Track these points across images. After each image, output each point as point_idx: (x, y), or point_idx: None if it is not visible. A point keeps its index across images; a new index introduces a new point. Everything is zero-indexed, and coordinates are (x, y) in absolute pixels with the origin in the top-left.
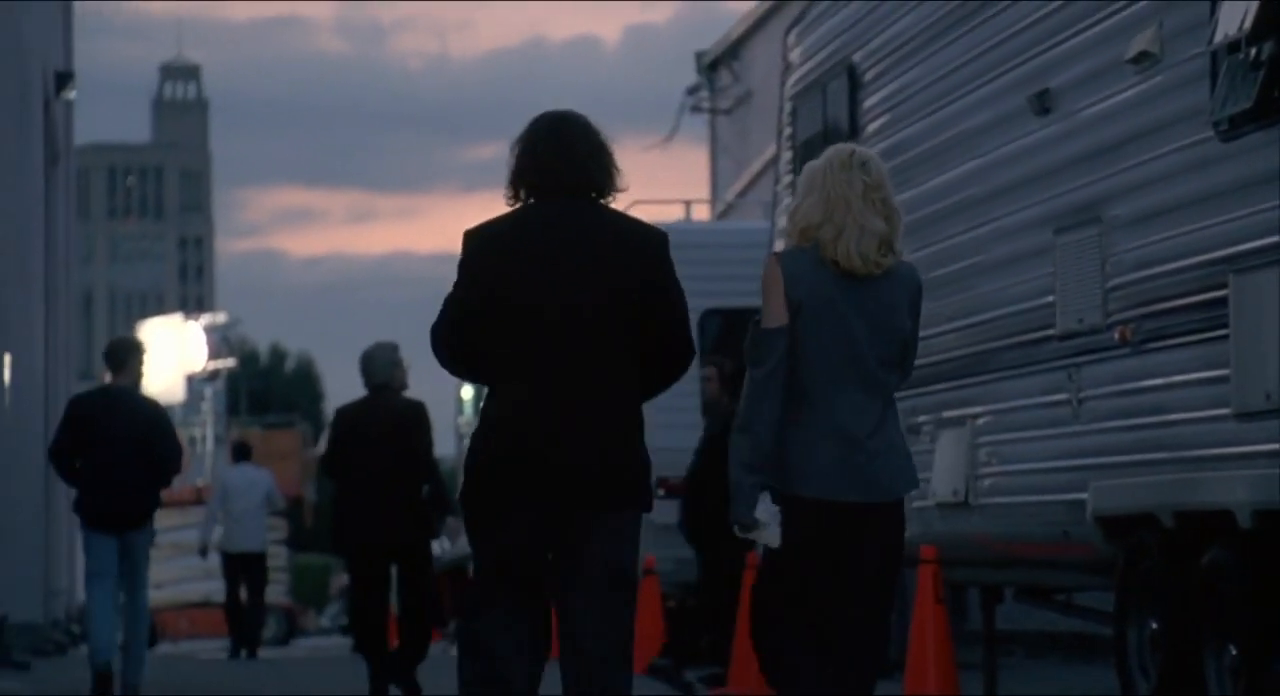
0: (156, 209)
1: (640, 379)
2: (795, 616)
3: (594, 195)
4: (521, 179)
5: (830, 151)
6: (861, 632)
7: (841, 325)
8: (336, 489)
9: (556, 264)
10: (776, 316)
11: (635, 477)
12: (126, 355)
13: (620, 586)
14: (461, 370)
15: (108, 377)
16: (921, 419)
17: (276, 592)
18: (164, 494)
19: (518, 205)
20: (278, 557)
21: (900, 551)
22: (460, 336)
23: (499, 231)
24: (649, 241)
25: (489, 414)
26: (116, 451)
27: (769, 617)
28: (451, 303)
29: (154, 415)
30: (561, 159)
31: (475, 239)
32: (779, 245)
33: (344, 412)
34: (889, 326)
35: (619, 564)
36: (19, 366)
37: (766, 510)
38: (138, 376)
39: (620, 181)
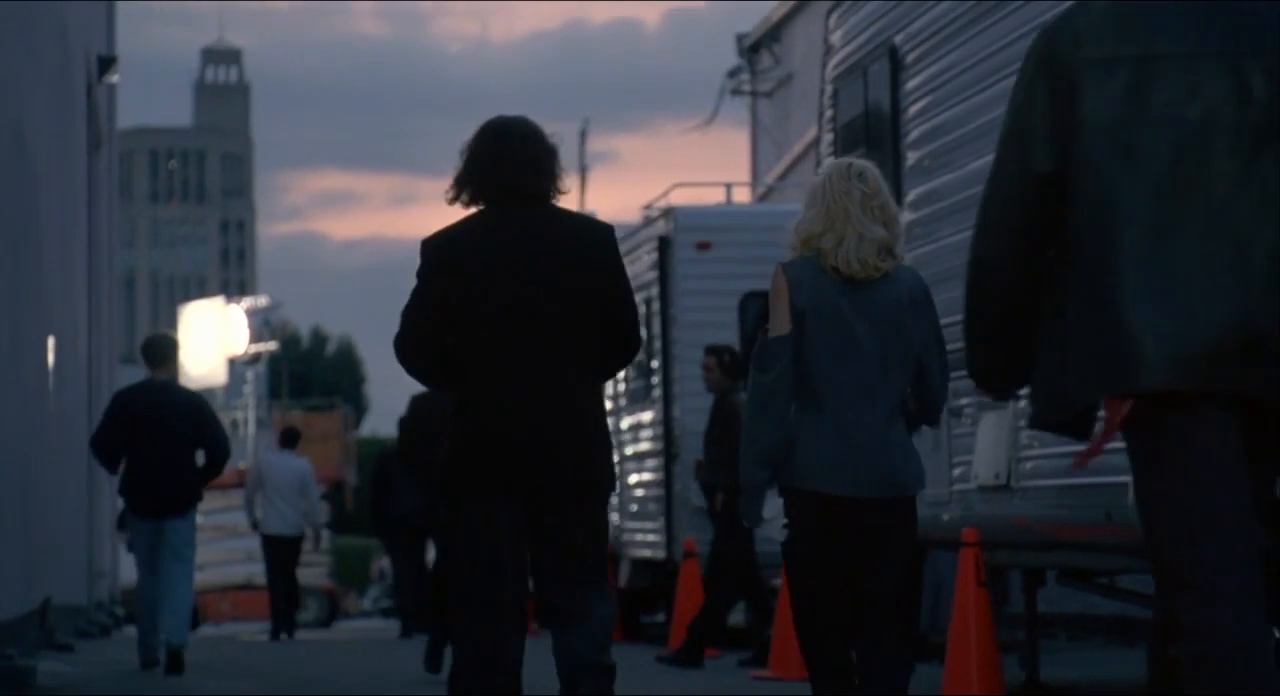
0: (198, 192)
1: (596, 366)
2: (810, 604)
3: (540, 198)
4: (467, 184)
5: (829, 164)
6: (880, 621)
7: (844, 329)
8: (416, 475)
9: (512, 266)
10: (781, 325)
11: (596, 465)
12: (168, 351)
13: (589, 570)
14: (431, 374)
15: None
16: (963, 401)
17: (318, 575)
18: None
19: (458, 206)
20: (320, 540)
21: (908, 543)
22: (425, 342)
23: (456, 237)
24: (597, 237)
25: (458, 413)
26: (160, 442)
27: (792, 604)
28: (412, 310)
29: (199, 407)
30: (505, 166)
31: (433, 246)
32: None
33: (419, 401)
34: (892, 328)
35: (585, 547)
36: (62, 349)
37: (773, 507)
38: (175, 371)
39: (564, 184)
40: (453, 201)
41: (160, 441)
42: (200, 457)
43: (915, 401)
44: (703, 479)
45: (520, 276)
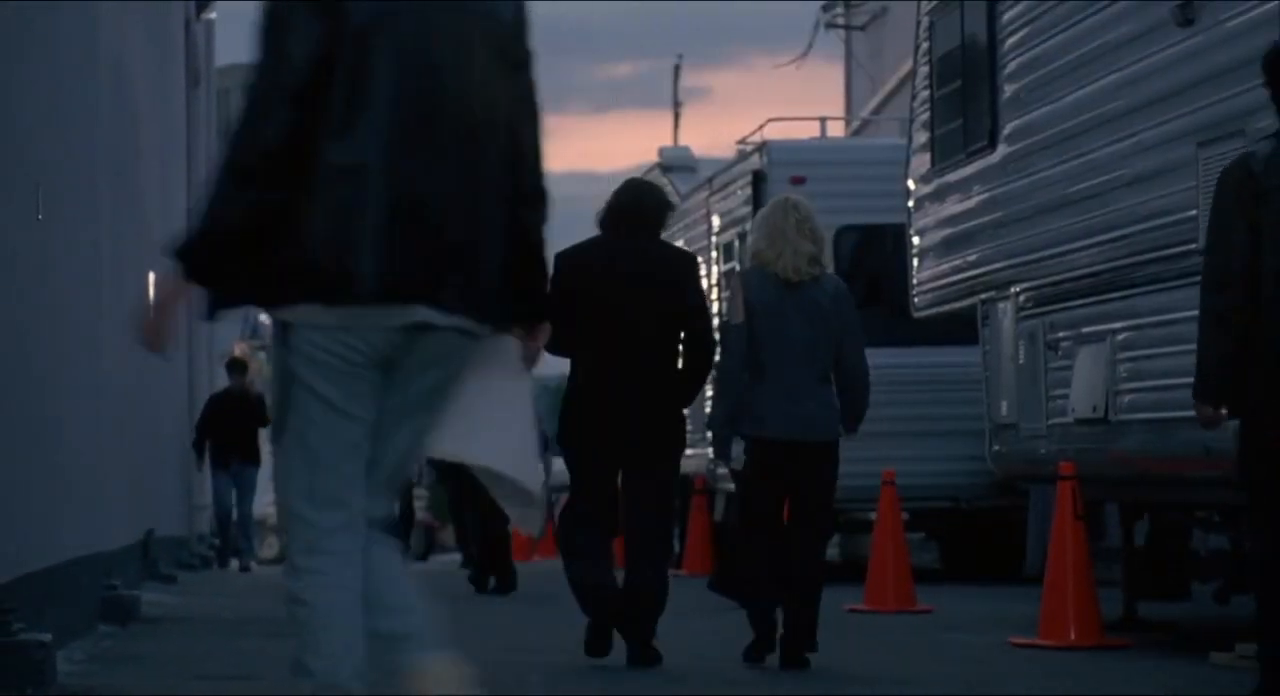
0: None
1: (682, 371)
2: (758, 518)
3: (646, 227)
4: (608, 218)
5: (771, 201)
6: (807, 526)
7: (784, 318)
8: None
9: (617, 278)
10: (738, 316)
11: (672, 434)
12: None
13: (655, 521)
14: (559, 350)
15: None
16: (1060, 335)
17: (417, 509)
18: None
19: (599, 234)
20: (422, 475)
21: (833, 473)
22: (555, 332)
23: (582, 255)
24: (684, 264)
25: (574, 382)
26: None
27: (740, 520)
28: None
29: None
30: (623, 201)
31: (563, 259)
32: (917, 160)
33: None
34: (819, 318)
35: (655, 501)
36: None
37: (737, 448)
38: None
39: (670, 222)
40: (600, 229)
41: None
42: None
43: (838, 383)
44: None
45: (623, 286)
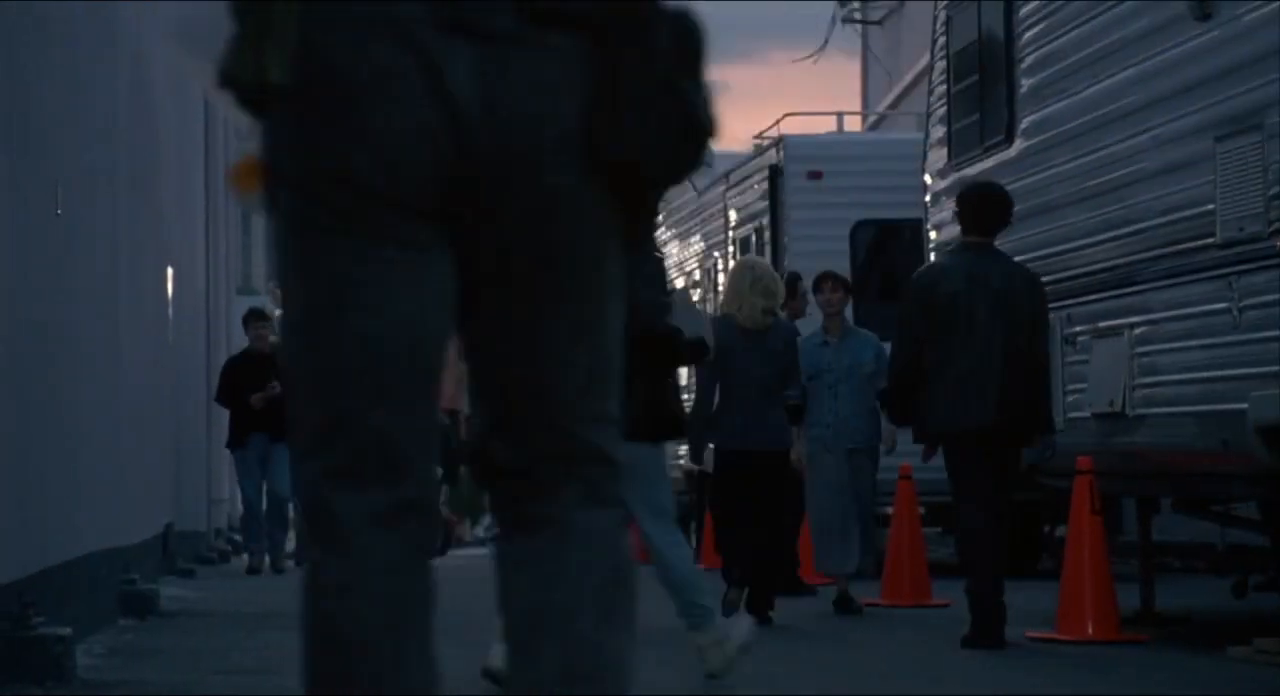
0: None
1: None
2: (726, 511)
3: None
4: None
5: (736, 263)
6: (763, 520)
7: (744, 358)
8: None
9: None
10: (711, 353)
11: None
12: None
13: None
14: None
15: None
16: (1077, 329)
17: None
18: None
19: None
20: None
21: (782, 477)
22: None
23: None
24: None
25: None
26: None
27: (711, 507)
28: None
29: None
30: None
31: None
32: (934, 154)
33: None
34: (771, 358)
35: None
36: (180, 281)
37: (709, 453)
38: None
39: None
40: None
41: None
42: None
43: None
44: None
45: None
